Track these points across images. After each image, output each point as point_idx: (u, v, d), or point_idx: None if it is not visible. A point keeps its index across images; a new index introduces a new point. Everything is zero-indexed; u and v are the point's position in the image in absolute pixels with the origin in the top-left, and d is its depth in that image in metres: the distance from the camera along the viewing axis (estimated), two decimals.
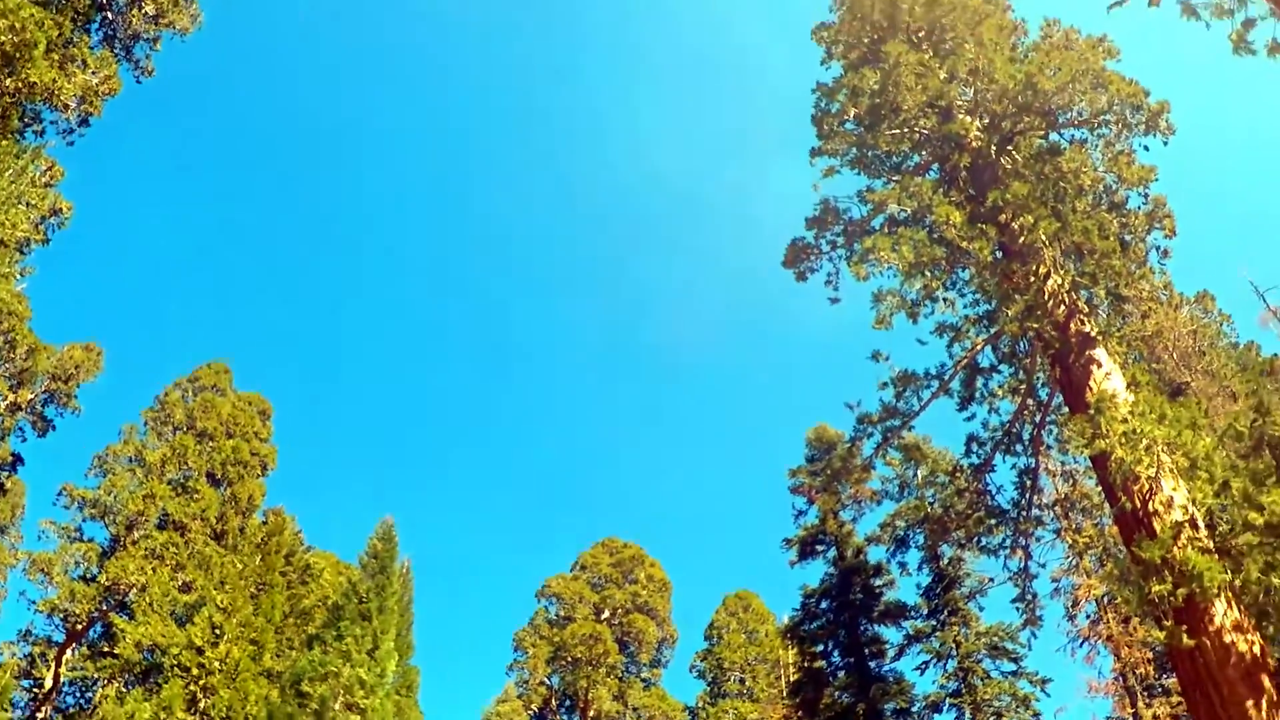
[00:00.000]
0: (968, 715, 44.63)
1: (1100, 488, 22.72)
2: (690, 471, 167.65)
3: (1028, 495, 25.40)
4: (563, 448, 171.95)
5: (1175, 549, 17.52)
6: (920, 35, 28.36)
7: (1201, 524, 18.51)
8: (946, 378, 24.14)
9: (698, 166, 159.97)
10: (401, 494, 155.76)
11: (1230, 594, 17.63)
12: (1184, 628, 17.18)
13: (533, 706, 74.46)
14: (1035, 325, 21.89)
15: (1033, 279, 22.74)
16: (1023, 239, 22.92)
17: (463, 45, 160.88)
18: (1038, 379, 24.80)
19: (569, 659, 74.06)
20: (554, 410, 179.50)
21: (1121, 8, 14.43)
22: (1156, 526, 18.60)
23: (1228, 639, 17.36)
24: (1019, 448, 25.13)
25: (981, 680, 45.23)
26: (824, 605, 52.03)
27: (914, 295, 22.95)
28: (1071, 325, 22.64)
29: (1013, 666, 45.80)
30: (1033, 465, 25.29)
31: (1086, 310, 23.33)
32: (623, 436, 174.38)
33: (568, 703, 75.38)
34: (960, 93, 26.65)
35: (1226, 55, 17.07)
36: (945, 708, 45.96)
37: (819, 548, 53.78)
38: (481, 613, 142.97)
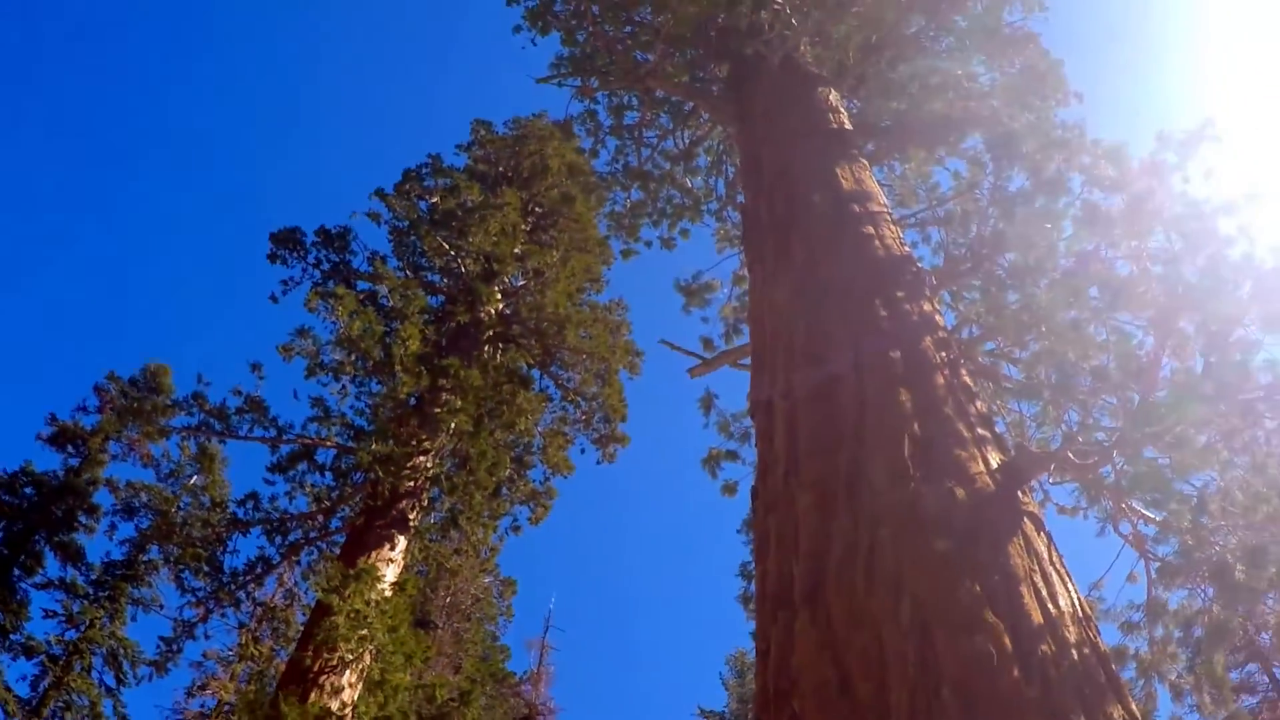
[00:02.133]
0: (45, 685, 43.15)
1: (303, 628, 22.66)
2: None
3: (247, 579, 25.14)
4: None
5: None
6: (538, 211, 28.98)
7: None
8: (286, 437, 23.91)
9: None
10: None
11: None
12: None
13: None
14: (380, 474, 22.02)
15: (414, 444, 23.05)
16: (438, 411, 23.29)
17: None
18: (344, 508, 24.83)
19: None
20: None
21: (671, 351, 15.06)
22: (313, 696, 18.76)
23: None
24: (279, 539, 24.95)
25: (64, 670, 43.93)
26: (26, 491, 49.83)
27: (328, 360, 22.84)
28: (403, 503, 23.02)
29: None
30: (275, 561, 25.17)
31: (425, 504, 23.77)
32: None
33: None
34: (514, 274, 27.26)
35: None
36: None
37: (69, 449, 51.75)
38: None
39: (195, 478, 34.92)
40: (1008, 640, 5.06)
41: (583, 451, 27.41)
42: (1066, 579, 5.94)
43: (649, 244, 22.49)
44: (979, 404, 7.50)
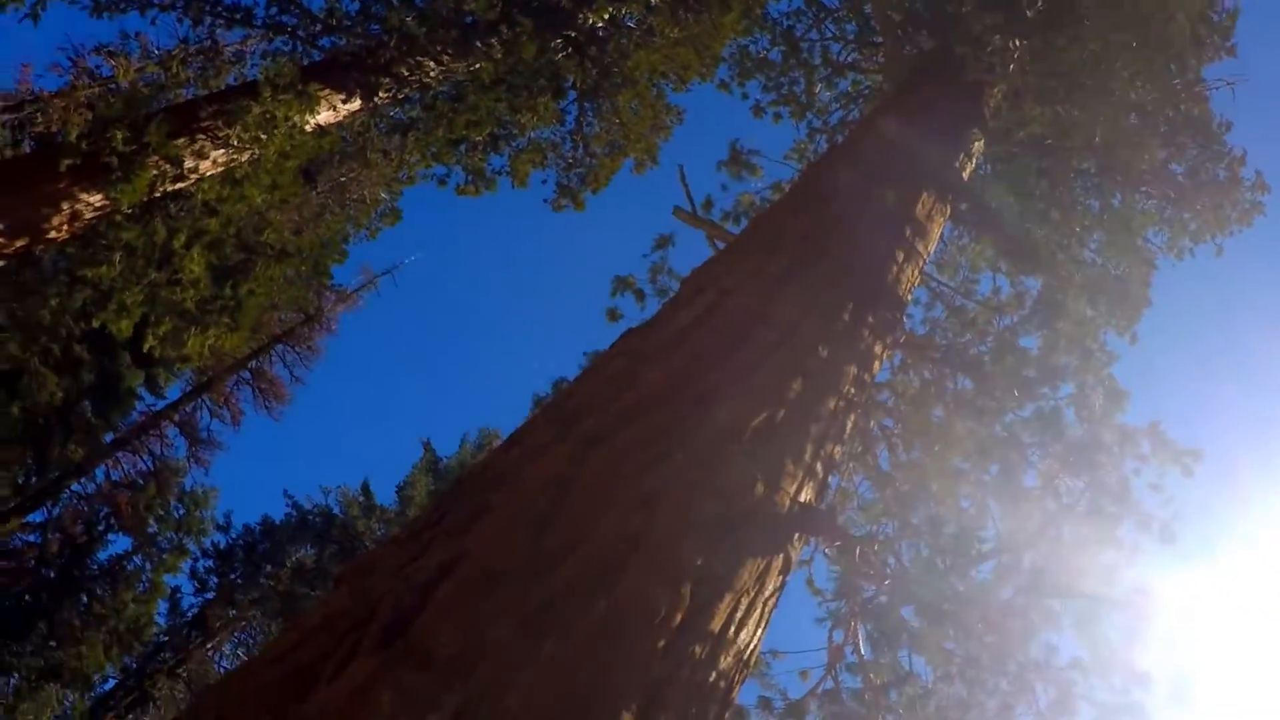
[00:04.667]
0: None
1: (228, 86, 22.03)
2: None
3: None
4: None
5: None
6: None
7: None
8: None
9: None
10: None
11: None
12: None
13: None
14: (404, 29, 21.60)
15: (439, 48, 22.61)
16: (478, 44, 22.92)
17: None
18: (356, 43, 24.20)
19: None
20: None
21: None
22: (184, 139, 18.40)
23: None
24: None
25: None
26: None
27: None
28: (386, 79, 22.53)
29: None
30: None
31: (400, 98, 23.41)
32: None
33: None
34: (632, 14, 26.68)
35: None
36: None
37: None
38: None
39: None
40: (679, 617, 4.97)
41: (544, 182, 26.91)
42: (763, 622, 5.87)
43: (745, 97, 22.25)
44: (837, 450, 7.47)
